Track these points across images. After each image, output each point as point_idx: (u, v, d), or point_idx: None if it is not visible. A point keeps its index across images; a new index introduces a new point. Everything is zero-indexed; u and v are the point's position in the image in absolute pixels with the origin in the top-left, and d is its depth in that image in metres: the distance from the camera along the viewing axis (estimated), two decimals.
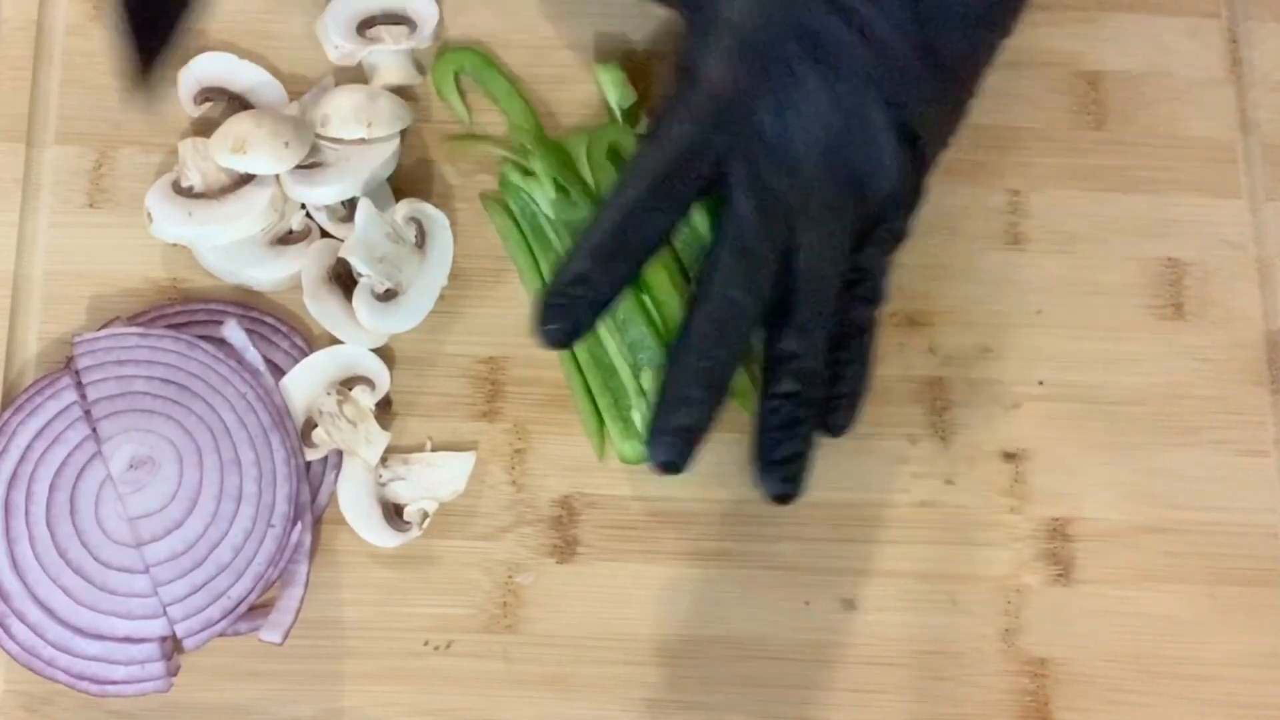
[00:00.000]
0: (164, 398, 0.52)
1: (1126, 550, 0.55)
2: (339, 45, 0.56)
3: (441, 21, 0.58)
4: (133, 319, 0.54)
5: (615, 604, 0.53)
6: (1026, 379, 0.56)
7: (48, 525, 0.50)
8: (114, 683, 0.50)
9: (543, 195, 0.54)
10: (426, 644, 0.53)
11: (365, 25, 0.56)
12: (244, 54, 0.57)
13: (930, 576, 0.54)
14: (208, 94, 0.55)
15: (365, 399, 0.52)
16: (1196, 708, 0.53)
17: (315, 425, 0.53)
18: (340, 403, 0.52)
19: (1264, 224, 0.58)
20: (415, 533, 0.52)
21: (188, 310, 0.54)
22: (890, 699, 0.53)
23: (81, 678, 0.50)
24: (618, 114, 0.56)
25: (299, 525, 0.51)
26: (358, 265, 0.53)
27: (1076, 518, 0.55)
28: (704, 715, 0.53)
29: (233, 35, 0.58)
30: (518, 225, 0.55)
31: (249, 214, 0.53)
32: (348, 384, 0.53)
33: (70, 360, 0.52)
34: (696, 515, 0.54)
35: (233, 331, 0.53)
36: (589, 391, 0.54)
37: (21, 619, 0.50)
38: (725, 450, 0.55)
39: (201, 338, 0.53)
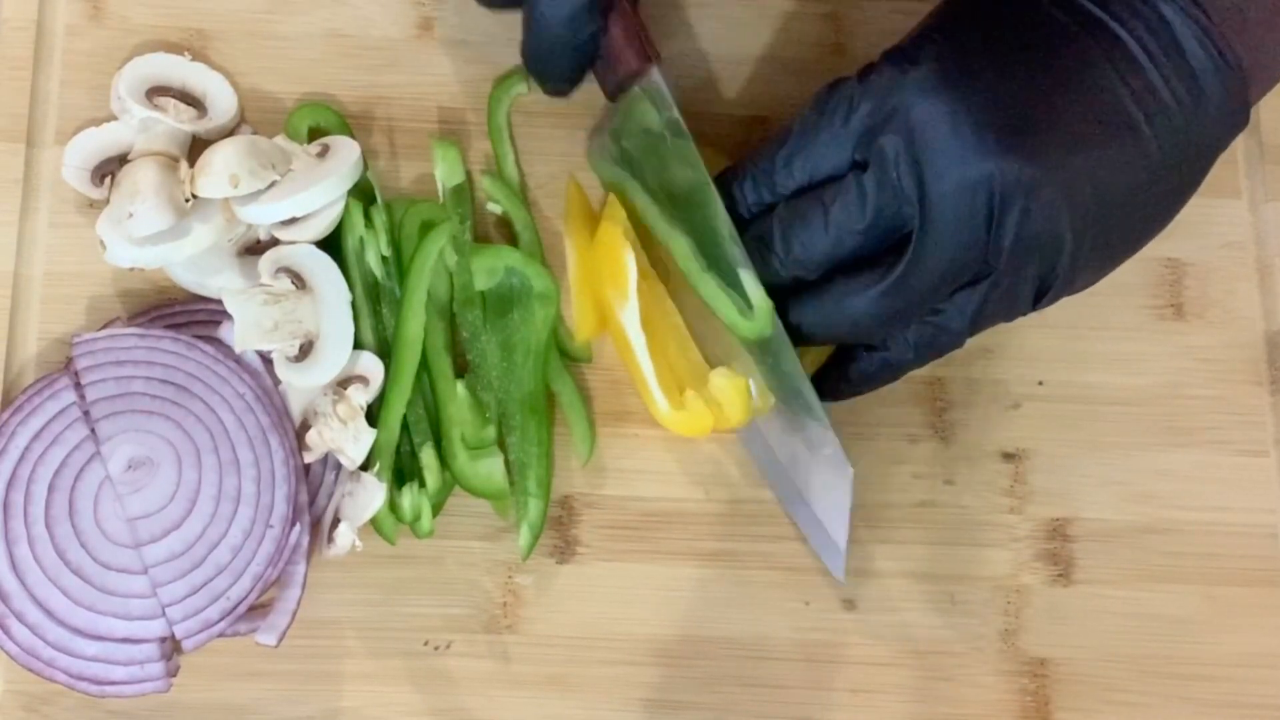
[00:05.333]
0: (163, 398, 0.52)
1: (1126, 550, 0.55)
2: (121, 98, 0.55)
3: (241, 116, 0.57)
4: (132, 319, 0.54)
5: (615, 604, 0.53)
6: (1026, 379, 0.56)
7: (47, 526, 0.50)
8: (113, 683, 0.50)
9: (374, 250, 0.54)
10: (426, 644, 0.53)
11: (157, 92, 0.55)
12: (246, 53, 0.57)
13: (930, 576, 0.54)
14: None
15: (359, 397, 0.52)
16: (1196, 708, 0.53)
17: (310, 428, 0.53)
18: (335, 402, 0.52)
19: (1264, 224, 0.58)
20: (335, 550, 0.52)
21: (187, 310, 0.54)
22: (890, 699, 0.53)
23: (81, 678, 0.50)
24: (440, 191, 0.56)
25: (297, 526, 0.51)
26: (260, 350, 0.52)
27: (1076, 518, 0.55)
28: (704, 715, 0.53)
29: (231, 35, 0.58)
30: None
31: (196, 236, 0.53)
32: (343, 383, 0.53)
33: (69, 361, 0.52)
34: (696, 515, 0.54)
35: (231, 332, 0.53)
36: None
37: (21, 619, 0.50)
38: (725, 450, 0.55)
39: (200, 338, 0.53)
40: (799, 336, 0.50)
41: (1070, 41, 0.47)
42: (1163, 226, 0.49)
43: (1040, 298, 0.49)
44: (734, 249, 0.50)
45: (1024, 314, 0.49)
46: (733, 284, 0.50)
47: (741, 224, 0.51)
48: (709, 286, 0.51)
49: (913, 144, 0.46)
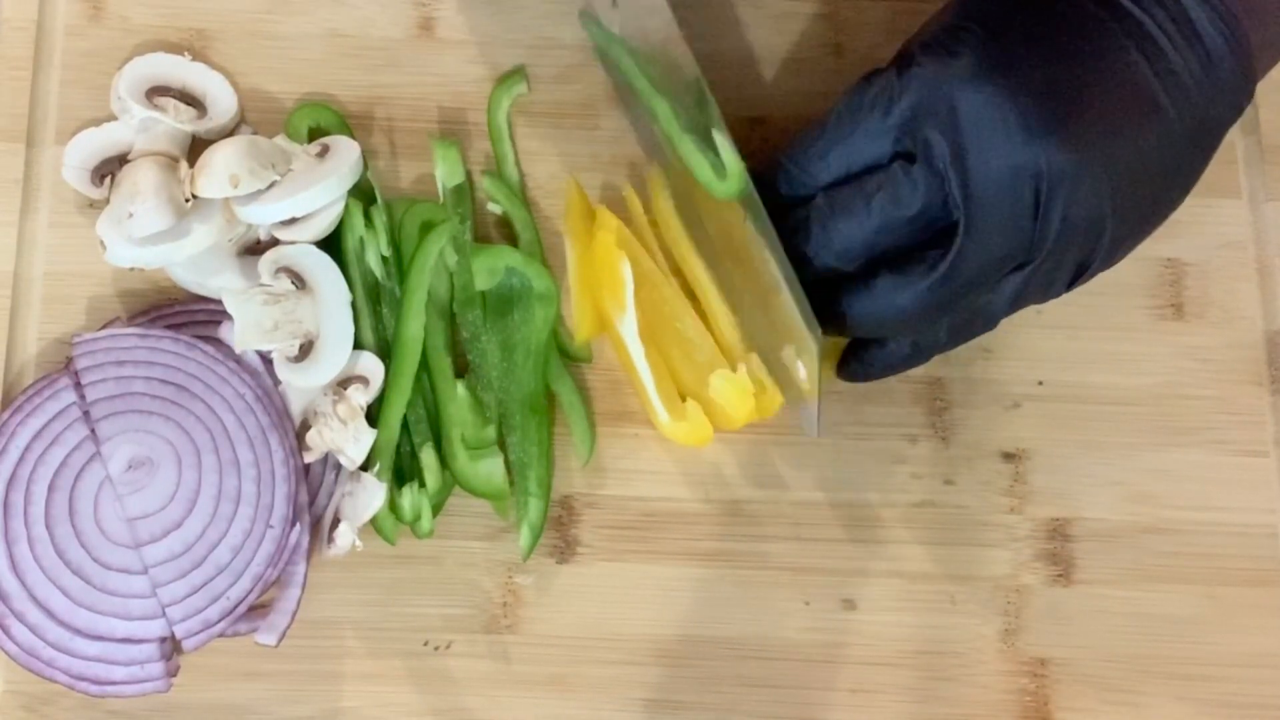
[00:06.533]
0: (163, 398, 0.52)
1: (1126, 550, 0.55)
2: (121, 98, 0.55)
3: (241, 116, 0.57)
4: (132, 319, 0.54)
5: (615, 604, 0.53)
6: (1026, 379, 0.56)
7: (47, 526, 0.50)
8: (113, 683, 0.50)
9: (375, 250, 0.54)
10: (426, 644, 0.53)
11: (157, 92, 0.55)
12: (246, 52, 0.57)
13: (930, 576, 0.54)
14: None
15: (359, 397, 0.52)
16: (1196, 708, 0.53)
17: (310, 428, 0.53)
18: (335, 402, 0.52)
19: (1264, 224, 0.58)
20: (335, 550, 0.52)
21: (187, 310, 0.54)
22: (890, 699, 0.53)
23: (81, 678, 0.50)
24: (440, 191, 0.56)
25: (298, 526, 0.51)
26: (260, 350, 0.52)
27: (1076, 518, 0.55)
28: (704, 715, 0.53)
29: (231, 35, 0.58)
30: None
31: (196, 236, 0.53)
32: (344, 384, 0.53)
33: (69, 360, 0.52)
34: (696, 515, 0.54)
35: (231, 332, 0.53)
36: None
37: (21, 619, 0.50)
38: (725, 451, 0.55)
39: (200, 338, 0.53)
40: (839, 328, 0.51)
41: (1098, 27, 0.48)
42: (1183, 199, 0.51)
43: (1077, 278, 0.50)
44: (709, 111, 0.50)
45: (1059, 295, 0.50)
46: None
47: (780, 209, 0.51)
48: (687, 147, 0.51)
49: (959, 135, 0.47)
